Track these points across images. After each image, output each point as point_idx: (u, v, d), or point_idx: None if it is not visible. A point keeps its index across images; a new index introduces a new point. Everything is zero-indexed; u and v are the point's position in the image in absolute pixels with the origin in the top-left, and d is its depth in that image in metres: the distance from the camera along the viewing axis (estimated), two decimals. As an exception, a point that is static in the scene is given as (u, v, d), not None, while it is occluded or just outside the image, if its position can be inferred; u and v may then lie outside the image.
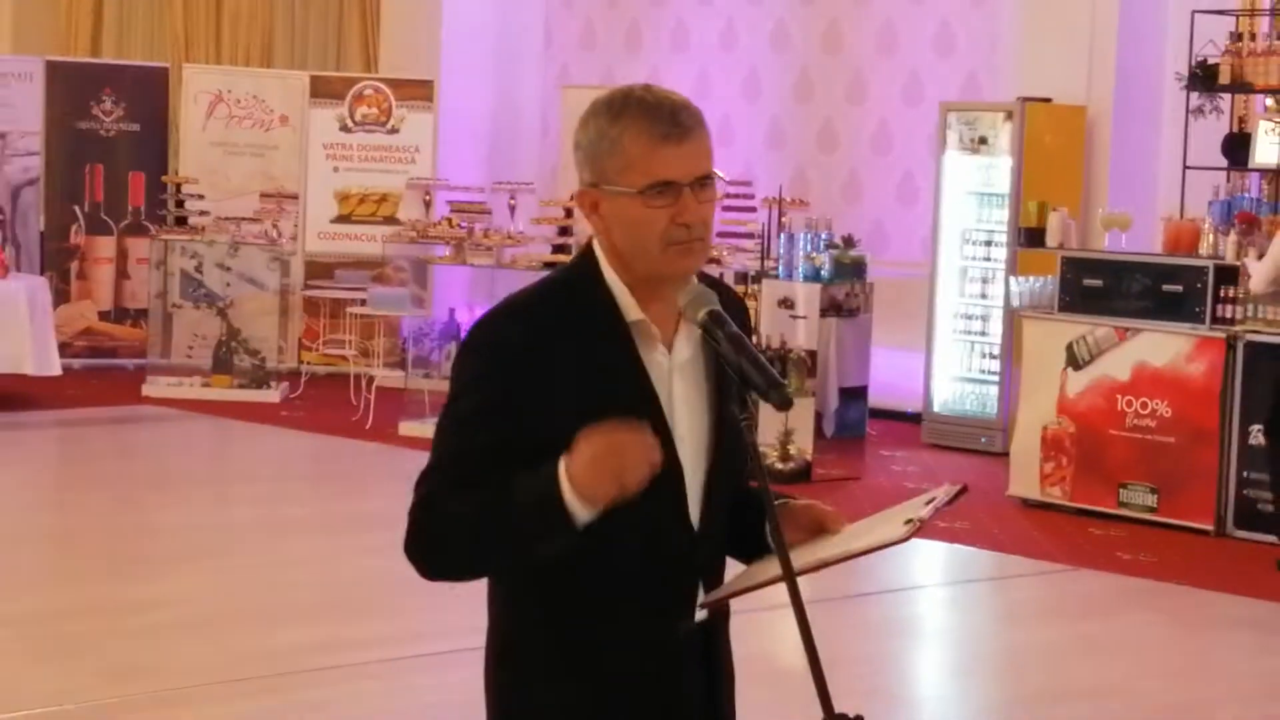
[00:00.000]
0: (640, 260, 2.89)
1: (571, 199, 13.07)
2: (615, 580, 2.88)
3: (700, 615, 2.96)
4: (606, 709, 2.91)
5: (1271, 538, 9.77)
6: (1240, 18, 11.66)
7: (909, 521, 2.83)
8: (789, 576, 2.75)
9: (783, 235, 12.21)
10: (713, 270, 13.07)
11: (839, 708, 2.75)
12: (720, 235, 14.02)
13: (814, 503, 2.98)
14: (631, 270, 2.91)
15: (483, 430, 2.85)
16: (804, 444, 11.32)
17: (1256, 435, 10.01)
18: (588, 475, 2.73)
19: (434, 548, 2.87)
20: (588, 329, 2.88)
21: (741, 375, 2.82)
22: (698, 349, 2.96)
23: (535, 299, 2.94)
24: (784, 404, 2.81)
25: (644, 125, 2.85)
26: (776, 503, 2.98)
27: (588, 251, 2.96)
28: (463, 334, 3.07)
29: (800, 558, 2.84)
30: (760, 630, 7.46)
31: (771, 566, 2.88)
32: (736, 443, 2.95)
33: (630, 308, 2.91)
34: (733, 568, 3.03)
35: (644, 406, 2.86)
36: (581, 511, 2.75)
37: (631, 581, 2.88)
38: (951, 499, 2.93)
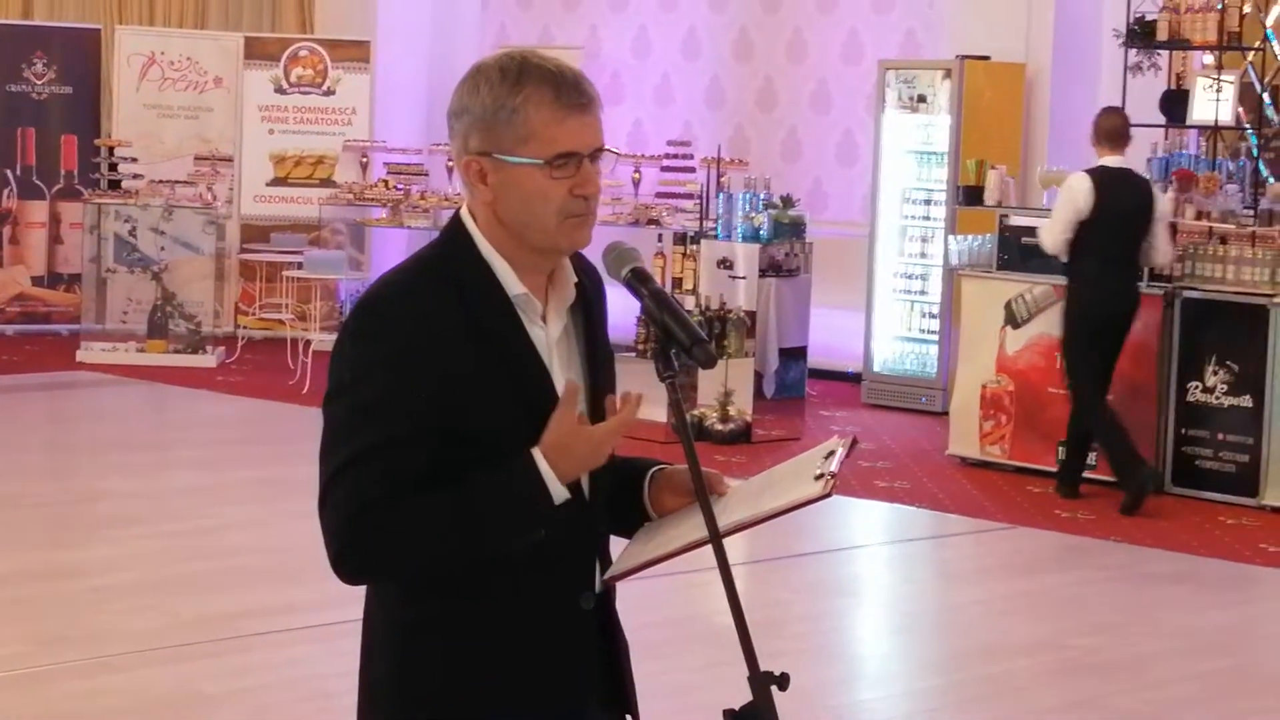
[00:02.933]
0: (534, 232, 2.81)
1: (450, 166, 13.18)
2: (515, 561, 2.80)
3: (600, 587, 2.91)
4: (510, 684, 2.83)
5: (1210, 494, 9.94)
6: (1177, -26, 11.65)
7: (820, 477, 2.77)
8: (715, 538, 2.71)
9: (721, 195, 12.17)
10: (652, 231, 13.04)
11: (778, 666, 2.72)
12: (659, 195, 14.00)
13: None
14: (521, 242, 2.83)
15: (390, 419, 2.74)
16: (743, 404, 11.30)
17: (1194, 392, 10.05)
18: (593, 457, 2.78)
19: (390, 560, 2.76)
20: (472, 305, 2.80)
21: (666, 332, 2.78)
22: (568, 321, 2.91)
23: (415, 277, 2.83)
24: (708, 361, 2.76)
25: (549, 95, 2.77)
26: (654, 469, 2.96)
27: (458, 225, 2.87)
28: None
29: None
30: (695, 591, 7.45)
31: (682, 532, 2.83)
32: (606, 413, 2.90)
33: (511, 281, 2.83)
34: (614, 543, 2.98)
35: (537, 381, 2.82)
36: (561, 491, 2.75)
37: (531, 560, 2.81)
38: (848, 451, 2.87)
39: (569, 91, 2.78)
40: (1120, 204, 9.75)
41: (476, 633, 2.82)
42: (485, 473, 2.75)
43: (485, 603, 2.82)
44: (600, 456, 2.79)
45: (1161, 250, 9.88)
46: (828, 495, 2.75)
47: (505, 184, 2.80)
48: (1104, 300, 9.78)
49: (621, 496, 2.95)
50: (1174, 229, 10.28)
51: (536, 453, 2.74)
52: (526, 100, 2.77)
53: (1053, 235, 9.87)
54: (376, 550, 2.75)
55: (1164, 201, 9.93)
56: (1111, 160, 9.83)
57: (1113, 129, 9.88)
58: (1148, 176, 10.84)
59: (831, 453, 2.84)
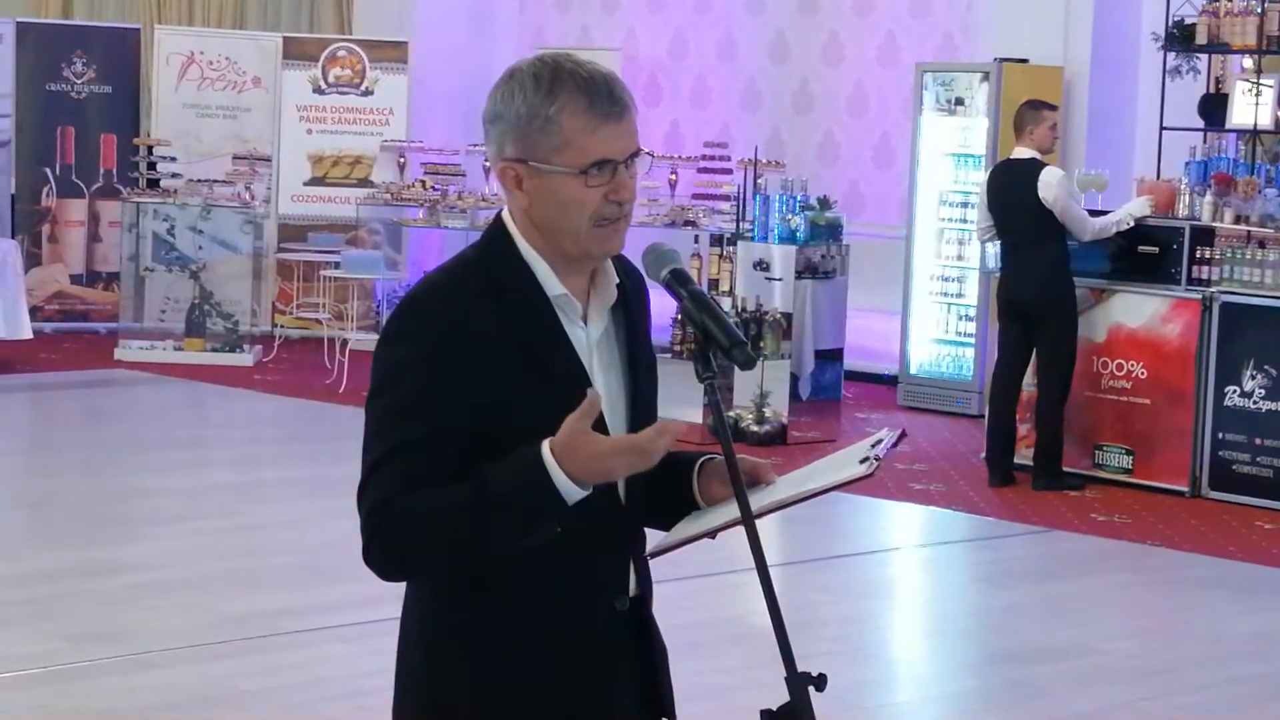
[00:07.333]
0: (568, 238, 2.82)
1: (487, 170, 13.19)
2: (548, 559, 2.80)
3: (635, 589, 2.91)
4: (543, 688, 2.84)
5: (1248, 499, 9.92)
6: (1217, -23, 11.60)
7: (865, 460, 2.79)
8: (749, 523, 2.71)
9: (758, 197, 12.16)
10: (689, 233, 13.05)
11: (813, 668, 2.72)
12: (696, 197, 14.00)
13: (744, 456, 2.89)
14: (556, 247, 2.84)
15: (423, 418, 2.75)
16: (779, 406, 11.30)
17: (1232, 396, 10.02)
18: (599, 467, 2.70)
19: (406, 552, 2.77)
20: (511, 305, 2.81)
21: (705, 333, 2.78)
22: (609, 323, 2.91)
23: (454, 278, 2.85)
24: (747, 362, 2.76)
25: (582, 103, 2.78)
26: (703, 459, 2.96)
27: (499, 226, 2.89)
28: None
29: (755, 502, 2.79)
30: (731, 592, 7.46)
31: (723, 513, 2.84)
32: (649, 416, 2.91)
33: (551, 282, 2.84)
34: (652, 537, 2.98)
35: (576, 382, 2.80)
36: (574, 491, 2.70)
37: (564, 560, 2.81)
38: (896, 441, 2.89)
39: (603, 100, 2.78)
40: (1005, 193, 10.31)
41: (508, 634, 2.83)
42: (496, 464, 2.73)
43: (517, 604, 2.83)
44: (604, 469, 2.72)
45: (1076, 229, 10.19)
46: (870, 475, 2.77)
47: (540, 191, 2.81)
48: (1004, 283, 10.39)
49: (671, 487, 2.95)
50: (1214, 234, 10.28)
51: (545, 446, 2.71)
52: (561, 110, 2.77)
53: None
54: (395, 543, 2.76)
55: (1052, 185, 10.11)
56: (1018, 151, 10.37)
57: (1014, 120, 10.54)
58: (1185, 180, 10.82)
59: (879, 440, 2.86)
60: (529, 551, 2.78)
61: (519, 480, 2.71)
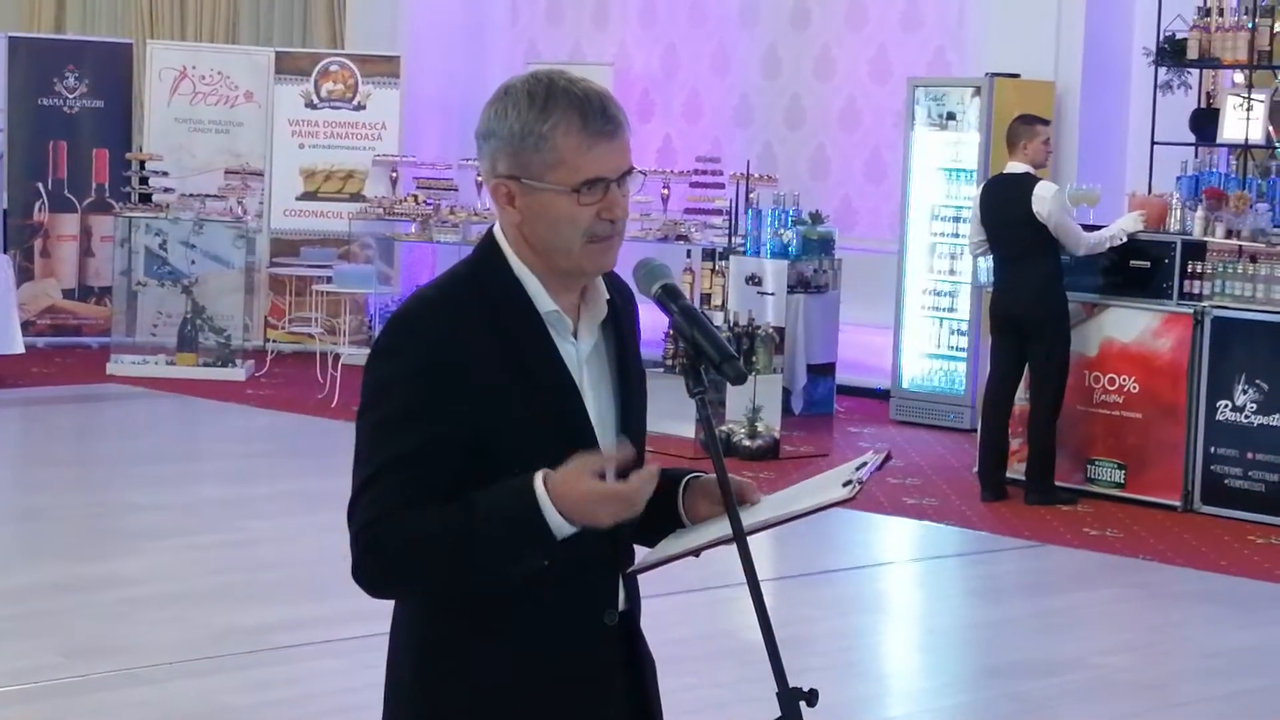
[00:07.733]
0: (560, 255, 2.83)
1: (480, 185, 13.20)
2: (538, 574, 2.79)
3: (624, 604, 2.92)
4: (531, 700, 2.84)
5: (1240, 514, 9.91)
6: (1208, -8, 11.62)
7: (848, 484, 2.78)
8: (740, 538, 2.71)
9: (750, 211, 12.17)
10: (681, 247, 13.05)
11: (805, 683, 2.73)
12: (688, 211, 14.00)
13: (729, 475, 2.87)
14: (548, 264, 2.84)
15: (413, 434, 2.75)
16: (772, 421, 11.30)
17: (1224, 411, 10.03)
18: (585, 510, 2.69)
19: (395, 571, 2.77)
20: (503, 321, 2.81)
21: (696, 348, 2.79)
22: (599, 338, 2.92)
23: (446, 293, 2.85)
24: (738, 377, 2.77)
25: (576, 122, 2.78)
26: (688, 477, 2.96)
27: (490, 242, 2.89)
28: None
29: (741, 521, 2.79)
30: (723, 606, 7.46)
31: (707, 531, 2.84)
32: (640, 430, 2.91)
33: (542, 298, 2.84)
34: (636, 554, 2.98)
35: (566, 397, 2.81)
36: (565, 527, 2.70)
37: (554, 574, 2.80)
38: (881, 464, 2.89)
39: (596, 118, 2.79)
40: (999, 208, 10.29)
41: (496, 648, 2.83)
42: (489, 490, 2.73)
43: (505, 618, 2.83)
44: (590, 514, 2.71)
45: (1070, 243, 10.19)
46: (852, 499, 2.76)
47: (533, 207, 2.81)
48: (997, 297, 10.40)
49: (656, 504, 2.93)
50: (1205, 248, 10.29)
51: (539, 480, 2.71)
52: (554, 128, 2.78)
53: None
54: (383, 563, 2.76)
55: (1046, 200, 10.11)
56: (1011, 165, 10.35)
57: (1006, 135, 10.53)
58: (1176, 194, 10.83)
59: (863, 464, 2.85)
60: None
61: (510, 511, 2.71)
